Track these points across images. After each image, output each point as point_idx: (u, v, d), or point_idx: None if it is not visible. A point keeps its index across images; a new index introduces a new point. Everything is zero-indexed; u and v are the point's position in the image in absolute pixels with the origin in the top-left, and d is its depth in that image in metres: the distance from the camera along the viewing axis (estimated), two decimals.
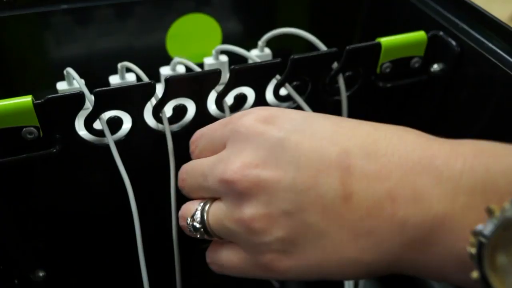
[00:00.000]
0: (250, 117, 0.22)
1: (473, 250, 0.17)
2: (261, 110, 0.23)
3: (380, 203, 0.18)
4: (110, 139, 0.30)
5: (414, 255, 0.19)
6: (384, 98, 0.38)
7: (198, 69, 0.34)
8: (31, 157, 0.29)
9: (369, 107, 0.39)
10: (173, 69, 0.37)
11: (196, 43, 0.41)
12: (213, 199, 0.24)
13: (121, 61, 0.41)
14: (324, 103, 0.37)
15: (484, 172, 0.17)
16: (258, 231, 0.20)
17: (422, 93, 0.38)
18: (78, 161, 0.32)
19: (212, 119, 0.34)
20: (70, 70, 0.32)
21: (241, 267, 0.23)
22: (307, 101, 0.35)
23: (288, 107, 0.36)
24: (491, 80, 0.33)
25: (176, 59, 0.36)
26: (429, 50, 0.36)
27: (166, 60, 0.38)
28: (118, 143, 0.32)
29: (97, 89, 0.28)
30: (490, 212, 0.16)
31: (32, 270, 0.36)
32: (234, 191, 0.21)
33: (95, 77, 0.41)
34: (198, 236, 0.24)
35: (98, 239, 0.37)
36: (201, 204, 0.24)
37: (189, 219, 0.24)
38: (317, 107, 0.36)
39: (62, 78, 0.35)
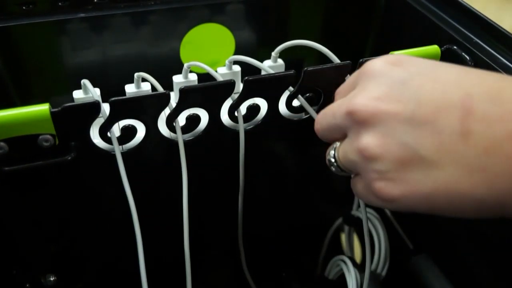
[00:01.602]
0: (378, 60, 0.24)
1: None
2: (389, 55, 0.24)
3: (499, 143, 0.19)
4: (117, 150, 0.30)
5: None
6: None
7: (210, 70, 0.34)
8: (46, 164, 0.30)
9: None
10: (185, 77, 0.37)
11: (210, 52, 0.42)
12: (344, 138, 0.25)
13: (135, 68, 0.41)
14: None
15: None
16: (371, 158, 0.22)
17: None
18: (92, 169, 0.32)
19: (225, 129, 0.34)
20: (86, 82, 0.33)
21: (364, 194, 0.24)
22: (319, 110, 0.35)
23: (300, 118, 0.36)
24: None
25: (187, 64, 0.36)
26: None
27: (180, 68, 0.38)
28: (131, 151, 0.32)
29: (113, 98, 0.29)
30: None
31: (43, 274, 0.37)
32: (355, 121, 0.23)
33: (110, 83, 0.41)
34: (334, 170, 0.26)
35: (109, 245, 0.38)
36: (336, 143, 0.26)
37: (327, 156, 0.26)
38: None
39: (78, 84, 0.35)
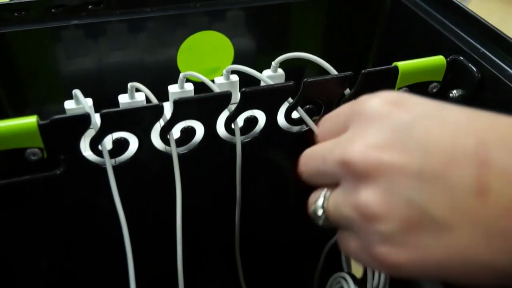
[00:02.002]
0: (376, 99, 0.21)
1: None
2: (388, 93, 0.21)
3: None
4: (108, 164, 0.29)
5: None
6: None
7: (207, 81, 0.33)
8: (34, 178, 0.28)
9: None
10: (181, 87, 0.36)
11: (208, 61, 0.41)
12: (335, 186, 0.22)
13: (131, 76, 0.40)
14: None
15: None
16: (373, 218, 0.19)
17: None
18: (83, 183, 0.31)
19: (221, 141, 0.33)
20: (77, 92, 0.31)
21: (358, 255, 0.21)
22: None
23: (300, 131, 0.35)
24: None
25: (183, 74, 0.35)
26: (448, 75, 0.35)
27: (177, 77, 0.37)
28: (124, 164, 0.31)
29: (104, 110, 0.28)
30: None
31: None
32: (352, 173, 0.20)
33: (105, 92, 0.40)
34: (321, 223, 0.23)
35: (101, 261, 0.37)
36: (325, 190, 0.22)
37: (312, 206, 0.23)
38: None
39: (72, 93, 0.34)
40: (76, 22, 0.36)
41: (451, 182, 0.17)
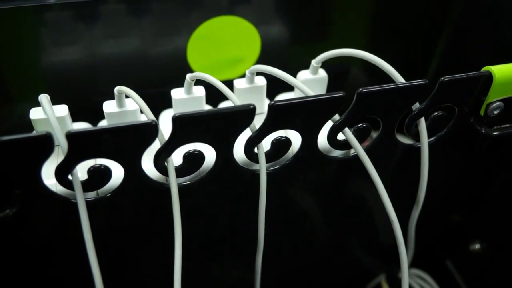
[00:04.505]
0: None
1: None
2: None
3: None
4: (80, 200, 0.21)
5: None
6: (484, 150, 0.27)
7: (223, 87, 0.24)
8: None
9: (459, 160, 0.28)
10: (188, 92, 0.27)
11: (226, 55, 0.32)
12: None
13: (128, 73, 0.32)
14: (395, 150, 0.27)
15: None
16: None
17: None
18: (46, 223, 0.23)
19: (239, 170, 0.24)
20: (43, 98, 0.23)
21: None
22: (375, 147, 0.25)
23: (346, 156, 0.26)
24: None
25: (190, 76, 0.26)
26: None
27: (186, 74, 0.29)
28: (104, 199, 0.23)
29: (71, 131, 0.19)
30: None
31: None
32: None
33: (95, 92, 0.32)
34: None
35: None
36: None
37: None
38: (386, 155, 0.26)
39: (55, 89, 0.26)
40: (55, 1, 0.28)
41: None
